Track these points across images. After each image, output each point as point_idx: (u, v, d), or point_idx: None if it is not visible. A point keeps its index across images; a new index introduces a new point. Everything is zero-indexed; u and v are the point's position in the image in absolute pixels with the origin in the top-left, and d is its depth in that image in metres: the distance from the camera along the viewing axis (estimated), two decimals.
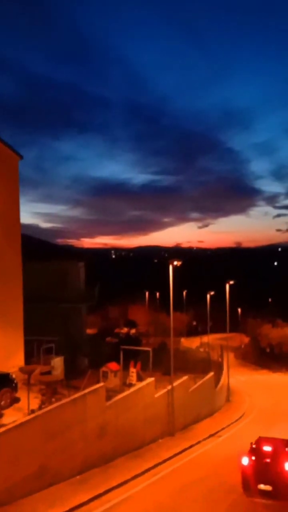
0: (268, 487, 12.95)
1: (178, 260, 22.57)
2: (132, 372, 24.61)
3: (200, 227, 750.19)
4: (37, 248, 37.00)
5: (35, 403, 16.78)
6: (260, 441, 14.60)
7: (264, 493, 13.02)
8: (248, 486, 13.38)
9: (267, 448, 13.95)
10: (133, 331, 64.30)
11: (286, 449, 14.09)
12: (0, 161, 22.92)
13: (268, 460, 13.43)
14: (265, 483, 13.00)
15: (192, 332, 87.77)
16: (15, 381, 18.56)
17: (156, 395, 20.40)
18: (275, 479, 12.94)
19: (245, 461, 13.66)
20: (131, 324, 69.85)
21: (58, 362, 23.90)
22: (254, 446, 14.38)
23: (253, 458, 13.63)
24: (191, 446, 19.97)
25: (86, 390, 15.82)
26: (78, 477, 14.52)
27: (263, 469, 13.26)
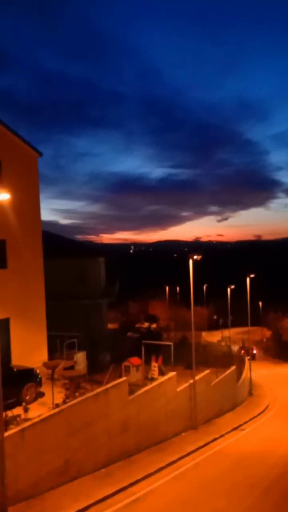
0: None
1: (198, 255, 22.51)
2: (154, 366, 24.68)
3: (219, 221, 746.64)
4: (57, 245, 37.35)
5: (59, 397, 16.98)
6: None
7: None
8: None
9: None
10: (154, 325, 64.42)
11: None
12: (20, 159, 23.16)
13: None
14: None
15: (213, 326, 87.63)
16: (39, 376, 18.81)
17: (178, 389, 20.44)
18: None
19: None
20: (152, 319, 70.04)
21: (80, 357, 24.11)
22: None
23: None
24: (214, 440, 19.98)
25: (109, 385, 15.95)
26: (102, 470, 14.68)
27: None
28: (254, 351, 64.66)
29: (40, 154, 24.45)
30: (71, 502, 12.04)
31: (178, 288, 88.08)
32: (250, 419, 26.18)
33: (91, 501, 12.10)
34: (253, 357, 59.19)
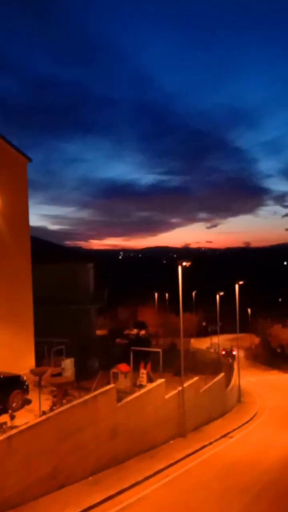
0: None
1: (187, 261, 22.52)
2: (143, 373, 24.56)
3: (208, 227, 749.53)
4: (46, 250, 37.15)
5: (46, 404, 16.81)
6: None
7: None
8: None
9: None
10: (142, 332, 64.20)
11: None
12: (9, 164, 23.03)
13: None
14: None
15: (202, 332, 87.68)
16: (26, 383, 18.61)
17: (167, 396, 20.35)
18: None
19: None
20: (141, 325, 69.79)
21: (68, 364, 23.92)
22: None
23: None
24: (203, 447, 19.89)
25: (97, 392, 15.83)
26: (90, 478, 14.53)
27: None
28: (234, 352, 65.49)
29: (30, 160, 24.35)
30: (59, 509, 11.89)
31: (167, 295, 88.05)
32: (239, 426, 26.15)
33: (80, 509, 11.96)
34: (233, 358, 60.50)
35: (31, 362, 23.35)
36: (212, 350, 64.24)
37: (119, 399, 16.91)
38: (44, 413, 14.79)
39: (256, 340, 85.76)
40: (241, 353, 65.56)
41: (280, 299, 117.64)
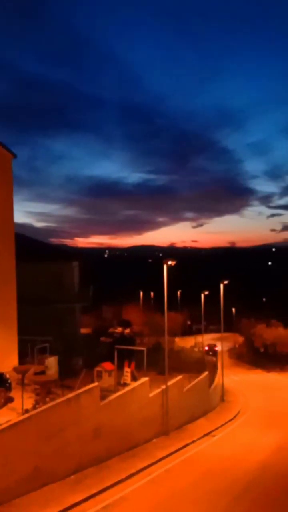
0: None
1: (172, 260, 22.55)
2: (127, 371, 24.58)
3: (194, 227, 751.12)
4: (31, 248, 36.93)
5: (29, 403, 16.71)
6: None
7: None
8: None
9: None
10: (127, 331, 64.12)
11: None
12: None
13: None
14: None
15: (187, 332, 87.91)
16: (9, 381, 18.49)
17: (151, 395, 20.36)
18: None
19: None
20: (126, 324, 69.64)
21: (52, 362, 23.83)
22: None
23: None
24: (185, 446, 19.96)
25: (80, 390, 15.76)
26: (72, 477, 14.46)
27: None
28: (216, 348, 66.52)
29: (14, 156, 24.19)
30: (41, 509, 11.81)
31: (152, 294, 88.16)
32: (222, 425, 26.29)
33: (61, 508, 11.90)
34: (214, 354, 61.65)
35: (14, 360, 23.21)
36: (196, 349, 64.48)
37: (103, 398, 16.86)
38: (26, 411, 14.70)
39: (240, 339, 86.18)
40: (225, 353, 65.91)
41: (264, 299, 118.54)
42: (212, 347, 68.86)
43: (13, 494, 12.32)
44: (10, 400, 18.21)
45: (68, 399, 14.93)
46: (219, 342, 56.03)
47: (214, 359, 54.13)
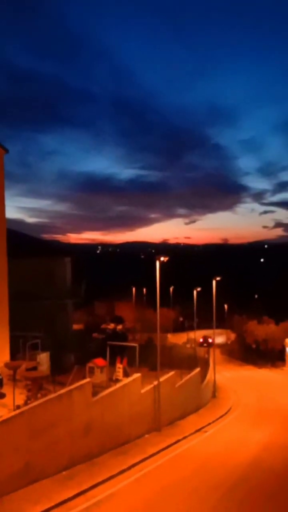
0: None
1: (164, 256, 22.54)
2: (119, 368, 24.58)
3: (187, 224, 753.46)
4: (23, 243, 36.78)
5: (20, 399, 16.66)
6: None
7: None
8: None
9: None
10: (119, 327, 64.20)
11: None
12: None
13: None
14: None
15: (179, 328, 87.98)
16: (0, 377, 18.43)
17: (143, 391, 20.38)
18: None
19: None
20: (118, 320, 69.72)
21: (44, 358, 23.79)
22: None
23: None
24: (177, 442, 20.00)
25: (72, 386, 15.74)
26: (64, 473, 14.45)
27: None
28: (210, 340, 67.13)
29: (6, 151, 24.05)
30: (31, 505, 11.80)
31: (144, 290, 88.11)
32: (213, 421, 26.38)
33: (52, 504, 11.90)
34: (209, 345, 62.23)
35: (5, 356, 23.12)
36: (188, 346, 64.61)
37: (95, 394, 16.86)
38: (18, 407, 14.66)
39: (232, 336, 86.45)
40: (217, 349, 66.15)
41: (256, 296, 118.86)
42: (206, 339, 70.84)
43: (4, 490, 12.29)
44: (2, 396, 18.17)
45: (59, 395, 14.90)
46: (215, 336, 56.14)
47: (206, 356, 54.31)
